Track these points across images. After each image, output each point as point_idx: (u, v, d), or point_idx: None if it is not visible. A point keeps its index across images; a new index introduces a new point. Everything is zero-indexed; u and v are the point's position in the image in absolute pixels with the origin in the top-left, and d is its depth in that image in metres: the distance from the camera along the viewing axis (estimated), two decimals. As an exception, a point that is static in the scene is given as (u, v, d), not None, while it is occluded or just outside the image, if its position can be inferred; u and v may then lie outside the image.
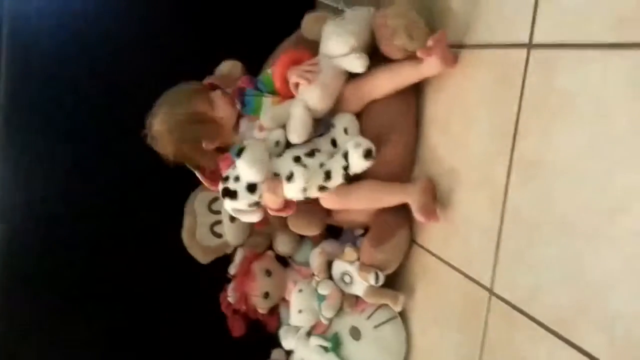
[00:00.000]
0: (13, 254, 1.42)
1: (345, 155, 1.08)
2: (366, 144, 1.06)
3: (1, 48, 1.38)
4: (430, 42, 1.01)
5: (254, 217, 1.15)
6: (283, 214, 1.15)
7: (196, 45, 1.52)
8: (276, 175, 1.10)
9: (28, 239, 1.43)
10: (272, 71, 1.20)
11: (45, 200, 1.43)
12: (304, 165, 1.08)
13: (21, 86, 1.40)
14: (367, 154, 1.06)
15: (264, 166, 1.07)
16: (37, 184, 1.43)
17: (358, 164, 1.07)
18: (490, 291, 0.97)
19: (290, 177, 1.06)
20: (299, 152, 1.12)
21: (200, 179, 1.28)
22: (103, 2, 1.44)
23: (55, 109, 1.42)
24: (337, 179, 1.10)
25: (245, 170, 1.06)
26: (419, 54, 1.01)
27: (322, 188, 1.11)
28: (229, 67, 1.41)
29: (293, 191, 1.08)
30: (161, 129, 1.20)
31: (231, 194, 1.10)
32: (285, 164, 1.10)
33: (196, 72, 1.34)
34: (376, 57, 1.12)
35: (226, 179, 1.12)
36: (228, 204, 1.12)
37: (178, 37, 1.50)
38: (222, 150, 1.23)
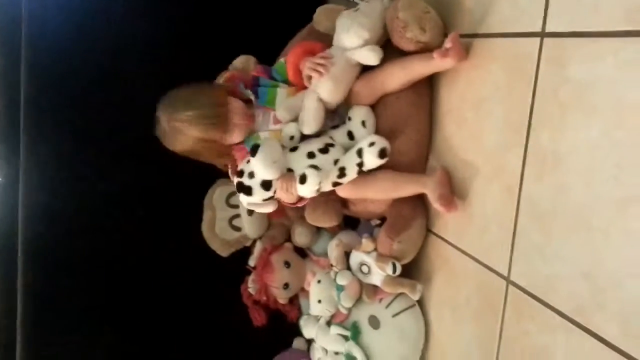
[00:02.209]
0: (35, 263, 1.46)
1: (359, 153, 1.09)
2: (381, 142, 1.08)
3: (21, 54, 1.42)
4: (448, 44, 1.01)
5: (269, 209, 1.19)
6: (298, 206, 1.18)
7: (210, 41, 1.54)
8: (290, 170, 1.11)
9: (52, 249, 1.46)
10: (286, 60, 1.21)
11: (67, 206, 1.47)
12: (317, 166, 1.09)
13: (41, 92, 1.44)
14: (382, 153, 1.07)
15: (278, 165, 1.09)
16: (58, 190, 1.46)
17: (372, 162, 1.09)
18: (508, 279, 0.98)
19: (303, 180, 1.08)
20: (313, 147, 1.13)
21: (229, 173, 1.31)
22: (120, 5, 1.47)
23: (75, 114, 1.45)
24: (352, 175, 1.11)
25: (260, 169, 1.08)
26: (435, 56, 1.02)
27: (335, 184, 1.12)
28: (242, 62, 1.43)
29: (305, 191, 1.10)
30: (166, 132, 1.20)
31: (246, 190, 1.13)
32: (299, 161, 1.11)
33: (211, 67, 1.36)
34: (389, 49, 1.12)
35: (241, 173, 1.14)
36: (243, 199, 1.15)
37: (193, 34, 1.52)
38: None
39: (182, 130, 1.17)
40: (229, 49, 1.43)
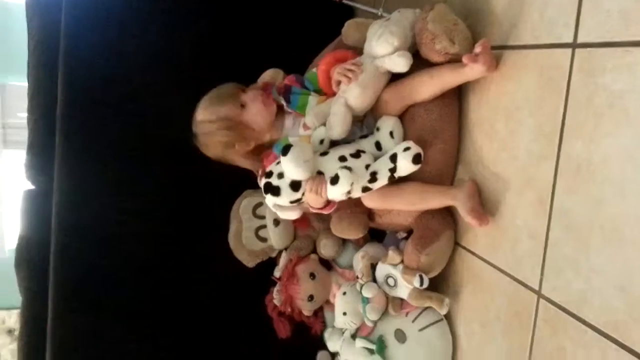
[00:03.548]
0: (67, 271, 1.49)
1: (393, 158, 1.09)
2: (416, 148, 1.08)
3: (58, 67, 1.47)
4: (477, 49, 1.01)
5: (294, 214, 1.18)
6: (324, 212, 1.17)
7: (239, 55, 1.57)
8: (319, 173, 1.12)
9: (83, 255, 1.49)
10: (317, 68, 1.23)
11: (98, 215, 1.50)
12: (349, 168, 1.09)
13: (76, 104, 1.48)
14: (416, 159, 1.07)
15: (309, 165, 1.09)
16: (93, 200, 1.50)
17: (406, 167, 1.08)
18: (539, 293, 0.96)
19: (335, 180, 1.07)
20: (345, 151, 1.13)
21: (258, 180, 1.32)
22: (153, 20, 1.51)
23: (108, 126, 1.49)
24: (383, 180, 1.11)
25: (290, 168, 1.08)
26: (464, 60, 1.01)
27: (365, 189, 1.12)
28: (271, 75, 1.45)
29: (336, 193, 1.09)
30: (197, 132, 1.26)
31: (274, 190, 1.12)
32: (330, 164, 1.12)
33: (240, 79, 1.38)
34: (418, 61, 1.12)
35: (269, 174, 1.14)
36: (269, 200, 1.15)
37: (224, 48, 1.57)
38: (265, 149, 1.27)
39: (202, 120, 1.24)
40: (257, 62, 1.45)
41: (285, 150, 1.07)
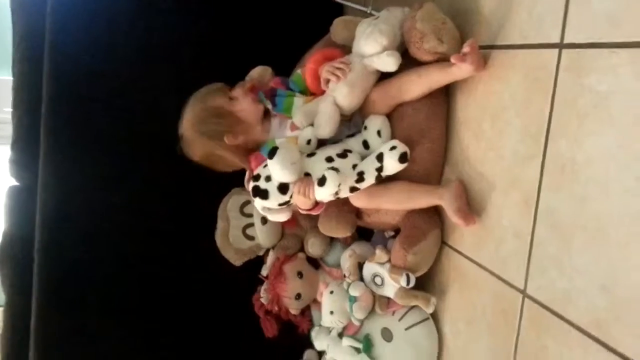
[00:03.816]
0: (52, 268, 1.47)
1: (379, 157, 1.09)
2: (402, 147, 1.08)
3: (43, 61, 1.45)
4: (465, 49, 1.01)
5: (283, 216, 1.18)
6: (312, 213, 1.17)
7: (226, 52, 1.56)
8: (307, 174, 1.11)
9: (67, 252, 1.47)
10: (305, 67, 1.23)
11: (83, 212, 1.48)
12: (336, 169, 1.08)
13: (61, 99, 1.46)
14: (403, 158, 1.07)
15: (296, 167, 1.09)
16: (78, 197, 1.48)
17: (392, 166, 1.08)
18: (524, 293, 0.96)
19: (322, 182, 1.07)
20: (332, 152, 1.13)
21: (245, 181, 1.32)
22: (141, 14, 1.49)
23: (94, 122, 1.48)
24: (370, 180, 1.11)
25: (277, 171, 1.08)
26: (452, 59, 1.01)
27: (353, 189, 1.12)
28: (259, 72, 1.44)
29: (324, 194, 1.09)
30: (185, 128, 1.26)
31: (262, 194, 1.12)
32: (318, 165, 1.11)
33: (228, 77, 1.38)
34: (406, 60, 1.12)
35: (257, 177, 1.14)
36: (258, 203, 1.14)
37: (211, 44, 1.55)
38: (253, 150, 1.26)
39: (191, 114, 1.25)
40: (246, 60, 1.44)
41: (272, 153, 1.07)
